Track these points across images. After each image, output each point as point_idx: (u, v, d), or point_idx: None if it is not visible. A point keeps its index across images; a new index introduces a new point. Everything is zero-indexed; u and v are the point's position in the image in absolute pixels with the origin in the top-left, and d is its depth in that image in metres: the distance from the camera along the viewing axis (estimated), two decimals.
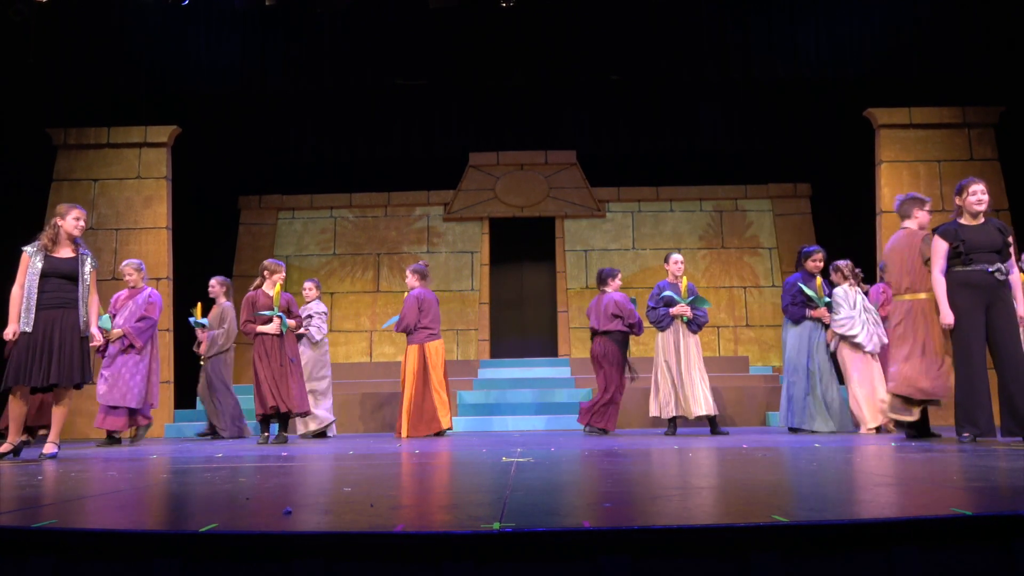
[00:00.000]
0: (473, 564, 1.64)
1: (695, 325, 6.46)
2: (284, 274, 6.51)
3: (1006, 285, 4.71)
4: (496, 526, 1.73)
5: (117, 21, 8.10)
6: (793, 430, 6.22)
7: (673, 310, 6.37)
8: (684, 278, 6.56)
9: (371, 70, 8.52)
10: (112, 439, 6.42)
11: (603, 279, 6.96)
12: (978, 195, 4.77)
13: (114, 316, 6.54)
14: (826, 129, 9.88)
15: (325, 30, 8.33)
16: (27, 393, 4.71)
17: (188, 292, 8.57)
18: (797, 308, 6.31)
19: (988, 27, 7.90)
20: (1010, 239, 4.78)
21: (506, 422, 7.90)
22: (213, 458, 4.40)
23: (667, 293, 6.43)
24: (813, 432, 6.09)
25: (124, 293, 6.72)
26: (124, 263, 6.85)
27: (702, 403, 6.30)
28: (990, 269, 4.66)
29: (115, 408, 6.33)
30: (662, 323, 6.42)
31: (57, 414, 4.78)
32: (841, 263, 6.48)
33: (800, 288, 6.30)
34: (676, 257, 6.61)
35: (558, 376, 9.17)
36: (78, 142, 8.66)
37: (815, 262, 6.39)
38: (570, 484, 2.77)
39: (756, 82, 9.19)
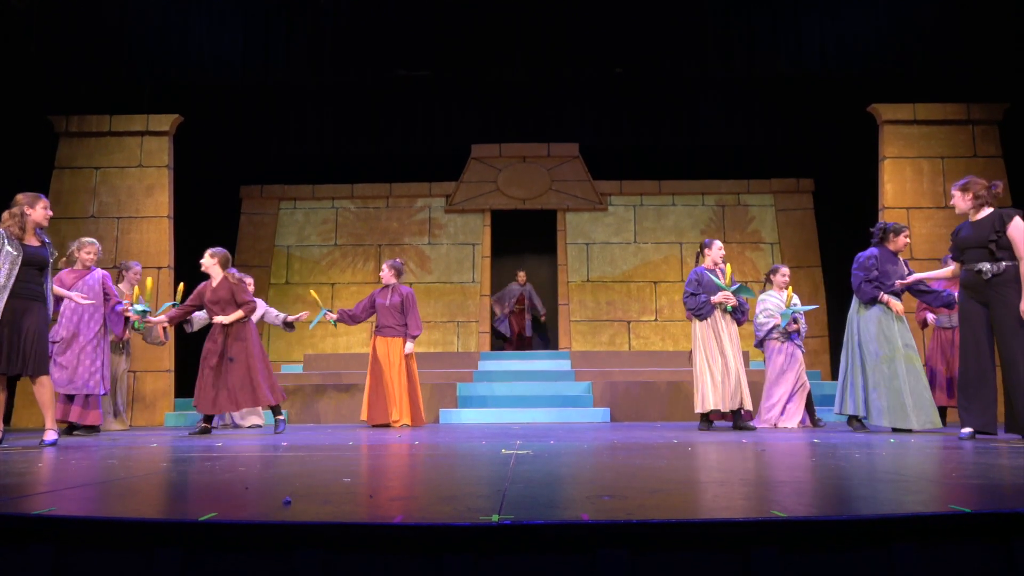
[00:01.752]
0: (472, 556, 1.64)
1: (740, 313, 6.13)
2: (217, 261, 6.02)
3: (1005, 283, 4.53)
4: (495, 518, 1.73)
5: (119, 9, 8.08)
6: (852, 419, 5.75)
7: (715, 298, 5.98)
8: (728, 266, 6.19)
9: (373, 61, 8.50)
10: (90, 428, 6.15)
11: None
12: (952, 200, 4.86)
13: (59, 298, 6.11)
14: (829, 124, 9.85)
15: (328, 20, 8.31)
16: (3, 382, 4.68)
17: (189, 281, 8.56)
18: (870, 287, 5.58)
19: (993, 23, 7.86)
20: (1009, 232, 4.51)
21: (505, 414, 7.90)
22: (212, 448, 4.41)
23: (716, 281, 6.09)
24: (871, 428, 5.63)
25: (69, 274, 6.26)
26: (85, 242, 6.38)
27: (739, 395, 5.92)
28: (975, 268, 4.63)
29: (88, 397, 6.09)
30: (703, 310, 6.00)
31: (45, 400, 4.73)
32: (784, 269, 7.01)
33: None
34: (718, 243, 6.21)
35: (558, 369, 9.17)
36: (80, 130, 8.65)
37: (906, 238, 5.72)
38: (569, 477, 2.77)
39: (760, 77, 9.15)
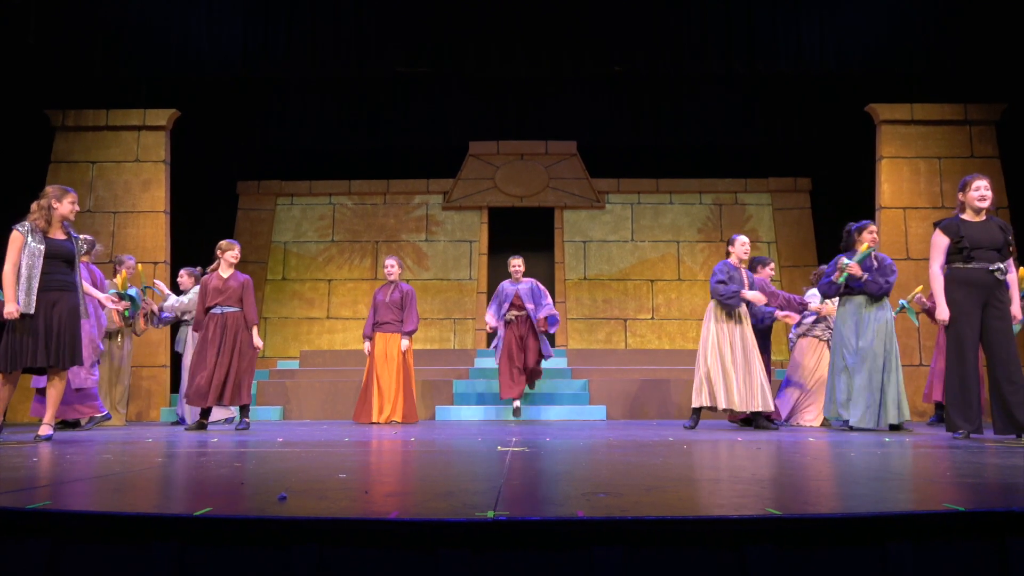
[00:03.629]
0: (468, 552, 1.64)
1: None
2: (237, 253, 6.15)
3: (1003, 284, 4.67)
4: (491, 514, 1.73)
5: (117, 3, 8.06)
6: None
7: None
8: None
9: (372, 57, 8.49)
10: (85, 424, 6.25)
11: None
12: (981, 191, 4.73)
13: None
14: (827, 124, 9.86)
15: (327, 16, 8.29)
16: (17, 376, 4.71)
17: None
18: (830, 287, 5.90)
19: (991, 24, 7.88)
20: (1010, 238, 4.72)
21: (501, 411, 7.90)
22: (208, 443, 4.40)
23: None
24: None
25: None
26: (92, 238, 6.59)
27: (759, 397, 5.79)
28: (991, 268, 4.63)
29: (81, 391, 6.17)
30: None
31: (52, 395, 4.77)
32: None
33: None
34: (742, 239, 6.12)
35: (555, 366, 9.17)
36: (76, 124, 8.63)
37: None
38: (565, 474, 2.77)
39: (758, 75, 9.16)
